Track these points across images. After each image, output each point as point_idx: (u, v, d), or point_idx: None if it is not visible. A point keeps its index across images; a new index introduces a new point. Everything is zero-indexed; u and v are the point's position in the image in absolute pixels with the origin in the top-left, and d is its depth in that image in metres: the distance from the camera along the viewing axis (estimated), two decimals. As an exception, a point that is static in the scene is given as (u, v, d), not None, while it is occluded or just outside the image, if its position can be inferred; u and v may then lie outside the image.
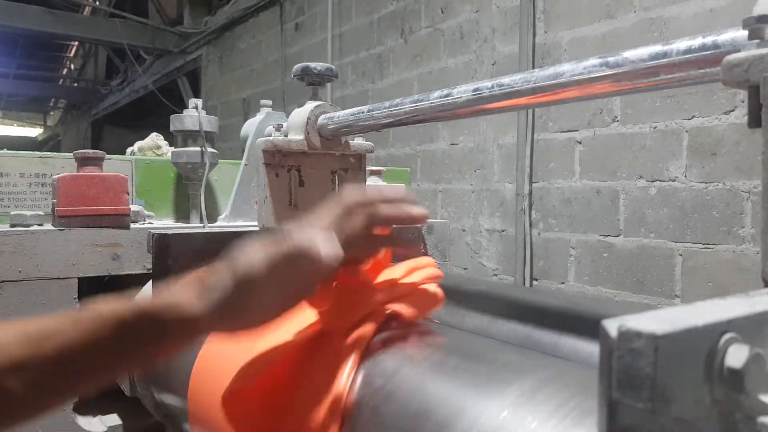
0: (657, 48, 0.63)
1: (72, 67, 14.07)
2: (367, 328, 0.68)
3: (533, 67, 2.86)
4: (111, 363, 0.55)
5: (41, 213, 1.28)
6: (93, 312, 0.54)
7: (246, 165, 1.51)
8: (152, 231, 1.17)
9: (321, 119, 1.24)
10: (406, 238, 1.50)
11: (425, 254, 1.63)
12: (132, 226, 1.33)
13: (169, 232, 1.17)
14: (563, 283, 2.75)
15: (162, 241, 1.15)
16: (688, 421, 0.32)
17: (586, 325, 0.87)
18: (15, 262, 1.17)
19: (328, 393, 0.62)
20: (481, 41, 3.21)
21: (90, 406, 1.33)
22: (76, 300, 1.24)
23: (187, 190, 1.60)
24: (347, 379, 0.64)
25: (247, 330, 0.61)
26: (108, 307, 0.54)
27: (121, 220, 1.30)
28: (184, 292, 0.58)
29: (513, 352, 0.68)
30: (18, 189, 1.41)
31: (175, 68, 7.48)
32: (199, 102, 1.58)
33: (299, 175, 1.30)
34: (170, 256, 1.15)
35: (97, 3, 9.12)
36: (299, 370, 0.68)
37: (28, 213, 1.24)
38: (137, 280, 1.29)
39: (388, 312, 0.73)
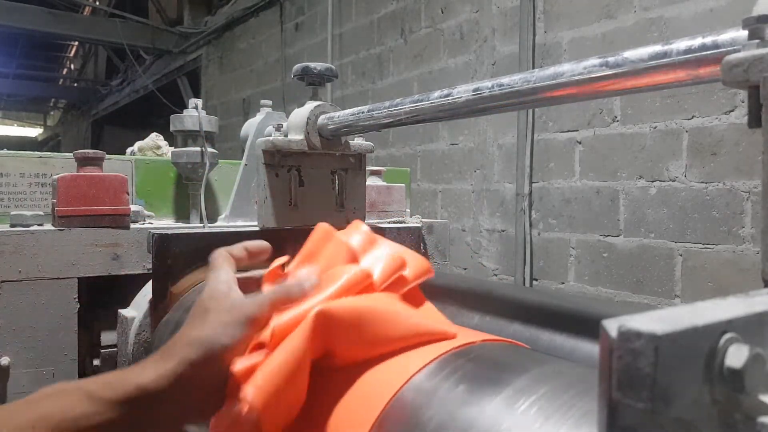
0: (657, 48, 0.63)
1: (72, 67, 14.07)
2: None
3: (533, 67, 2.86)
4: None
5: (41, 213, 1.28)
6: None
7: (246, 165, 1.51)
8: (152, 231, 1.17)
9: (321, 119, 1.24)
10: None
11: (425, 254, 1.63)
12: (132, 226, 1.34)
13: (169, 232, 1.17)
14: (563, 283, 2.75)
15: (162, 241, 1.15)
16: (688, 421, 0.32)
17: (586, 325, 0.87)
18: (15, 262, 1.18)
19: None
20: (481, 41, 3.21)
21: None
22: (76, 300, 1.24)
23: (187, 190, 1.60)
24: None
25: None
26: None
27: (121, 220, 1.30)
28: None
29: (512, 352, 0.68)
30: (18, 189, 1.41)
31: (175, 68, 7.48)
32: (199, 102, 1.58)
33: (299, 175, 1.30)
34: (170, 256, 1.15)
35: (97, 3, 9.12)
36: None
37: (28, 213, 1.24)
38: (137, 280, 1.29)
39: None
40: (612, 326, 0.31)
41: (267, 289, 0.64)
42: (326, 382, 0.61)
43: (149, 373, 0.54)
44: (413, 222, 1.63)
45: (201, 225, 1.49)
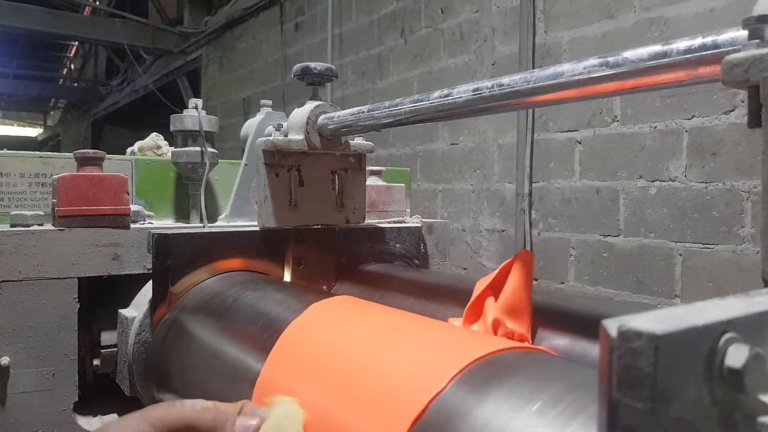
0: (657, 48, 0.63)
1: (72, 67, 14.06)
2: None
3: (533, 67, 2.86)
4: None
5: (41, 213, 1.28)
6: None
7: (246, 165, 1.51)
8: (152, 231, 1.17)
9: (321, 119, 1.24)
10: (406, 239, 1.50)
11: (425, 254, 1.63)
12: (132, 226, 1.33)
13: (169, 232, 1.17)
14: (563, 282, 2.75)
15: (162, 241, 1.15)
16: (688, 421, 0.32)
17: (587, 325, 0.86)
18: (15, 262, 1.17)
19: None
20: (481, 41, 3.21)
21: (90, 406, 1.33)
22: (76, 300, 1.24)
23: (187, 190, 1.60)
24: None
25: None
26: None
27: (121, 220, 1.30)
28: None
29: (513, 352, 0.67)
30: (18, 189, 1.41)
31: (175, 68, 7.48)
32: (199, 102, 1.57)
33: (299, 175, 1.30)
34: (170, 256, 1.15)
35: (97, 3, 9.12)
36: None
37: (28, 213, 1.24)
38: (137, 280, 1.29)
39: None
40: (612, 326, 0.31)
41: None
42: None
43: None
44: (413, 222, 1.63)
45: (201, 225, 1.49)
